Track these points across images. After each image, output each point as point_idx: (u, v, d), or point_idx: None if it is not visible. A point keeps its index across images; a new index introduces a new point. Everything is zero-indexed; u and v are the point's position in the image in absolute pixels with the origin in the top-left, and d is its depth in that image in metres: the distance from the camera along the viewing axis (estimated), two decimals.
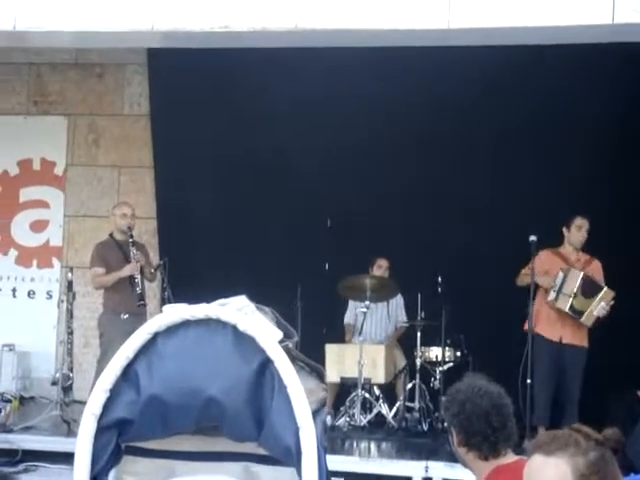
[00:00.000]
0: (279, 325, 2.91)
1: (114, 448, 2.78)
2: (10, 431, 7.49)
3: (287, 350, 2.77)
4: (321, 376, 3.01)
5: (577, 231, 7.78)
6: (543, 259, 7.70)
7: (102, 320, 8.10)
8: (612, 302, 7.56)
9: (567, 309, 7.59)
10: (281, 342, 2.78)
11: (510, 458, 3.14)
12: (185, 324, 2.79)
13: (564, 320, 7.65)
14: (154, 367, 2.73)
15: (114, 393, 2.74)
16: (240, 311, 2.78)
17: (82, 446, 2.73)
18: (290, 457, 2.67)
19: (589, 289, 7.56)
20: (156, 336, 2.77)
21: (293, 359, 2.79)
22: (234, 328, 2.74)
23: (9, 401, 8.23)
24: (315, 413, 2.72)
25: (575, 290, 7.56)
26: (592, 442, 2.04)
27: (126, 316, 7.77)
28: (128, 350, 2.75)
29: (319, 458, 2.65)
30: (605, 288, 7.58)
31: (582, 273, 7.61)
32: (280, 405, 2.66)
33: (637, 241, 8.61)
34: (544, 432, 2.16)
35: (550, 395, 7.58)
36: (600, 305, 7.53)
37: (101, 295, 8.25)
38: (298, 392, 2.65)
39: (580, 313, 7.56)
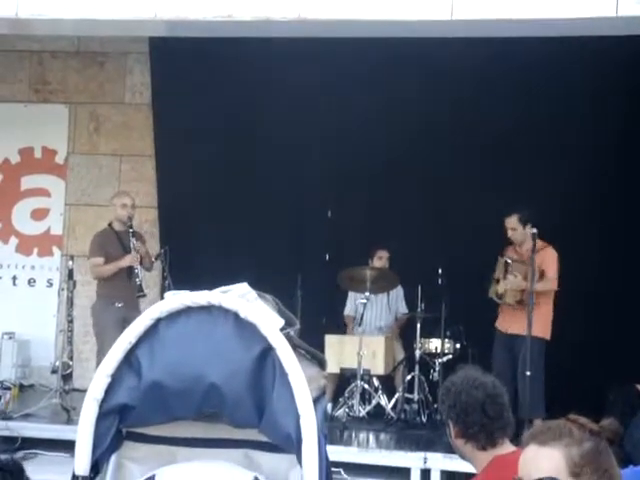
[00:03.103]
0: (280, 313, 2.91)
1: (115, 433, 2.79)
2: (9, 418, 7.51)
3: (288, 338, 2.77)
4: (322, 364, 3.01)
5: (509, 232, 7.70)
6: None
7: (95, 308, 8.12)
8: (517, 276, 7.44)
9: (494, 296, 7.60)
10: (282, 330, 2.78)
11: (508, 448, 3.15)
12: (187, 311, 2.79)
13: (511, 311, 7.59)
14: (156, 353, 2.74)
15: (116, 378, 2.74)
16: (242, 298, 2.79)
17: (84, 431, 2.74)
18: (290, 444, 2.67)
19: (505, 271, 7.53)
20: (158, 322, 2.78)
21: (294, 347, 2.79)
22: (236, 315, 2.74)
23: (9, 389, 8.25)
24: (316, 400, 2.73)
25: (498, 276, 7.58)
26: (587, 432, 2.04)
27: (120, 304, 7.76)
28: (130, 335, 2.75)
29: (319, 445, 2.66)
30: (505, 260, 7.52)
31: (504, 259, 7.57)
32: (281, 392, 2.66)
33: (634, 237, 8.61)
34: (540, 422, 2.15)
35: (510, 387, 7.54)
36: (508, 279, 7.47)
37: None
38: (299, 379, 2.65)
39: (501, 296, 7.53)
